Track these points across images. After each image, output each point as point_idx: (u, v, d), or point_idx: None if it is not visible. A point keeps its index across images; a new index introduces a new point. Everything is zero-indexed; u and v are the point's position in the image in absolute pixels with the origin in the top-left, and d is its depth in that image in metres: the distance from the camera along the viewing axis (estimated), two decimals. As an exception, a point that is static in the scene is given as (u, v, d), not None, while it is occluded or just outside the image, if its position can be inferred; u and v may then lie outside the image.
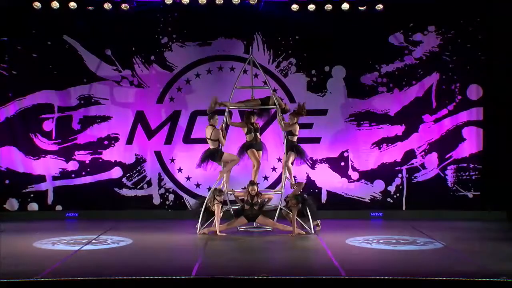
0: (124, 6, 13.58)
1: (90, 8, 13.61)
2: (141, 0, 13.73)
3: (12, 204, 14.06)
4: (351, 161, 14.16)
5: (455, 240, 11.13)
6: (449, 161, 14.10)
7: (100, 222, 13.09)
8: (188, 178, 14.16)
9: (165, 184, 14.20)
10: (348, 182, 14.18)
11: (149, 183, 14.20)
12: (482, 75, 13.99)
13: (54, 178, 14.11)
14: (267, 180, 14.09)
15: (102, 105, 14.12)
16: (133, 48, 14.06)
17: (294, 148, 12.27)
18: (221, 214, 11.89)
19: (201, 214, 12.02)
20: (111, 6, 13.50)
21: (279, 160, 13.74)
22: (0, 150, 13.99)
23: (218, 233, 11.75)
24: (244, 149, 12.42)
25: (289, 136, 12.25)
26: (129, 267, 9.22)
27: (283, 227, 11.94)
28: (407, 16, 13.94)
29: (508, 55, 13.70)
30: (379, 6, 13.56)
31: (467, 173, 14.07)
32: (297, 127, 12.25)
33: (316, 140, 14.10)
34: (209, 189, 13.21)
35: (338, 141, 14.16)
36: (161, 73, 14.14)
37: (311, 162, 13.68)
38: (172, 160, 14.18)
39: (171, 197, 14.22)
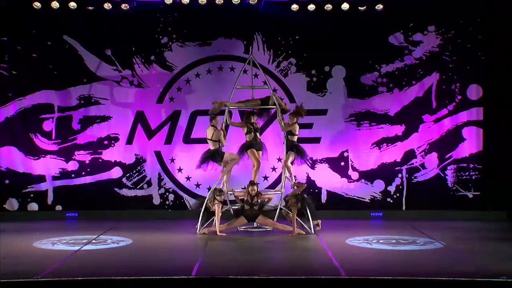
0: (124, 6, 13.58)
1: (90, 8, 13.61)
2: (141, 0, 13.73)
3: (12, 204, 14.06)
4: (351, 161, 14.16)
5: (455, 240, 11.13)
6: (449, 161, 14.10)
7: (100, 222, 13.09)
8: (188, 178, 14.17)
9: (165, 184, 14.21)
10: (348, 182, 14.18)
11: (149, 183, 14.20)
12: (482, 75, 13.99)
13: (54, 178, 14.11)
14: (267, 180, 14.09)
15: (102, 105, 14.12)
16: (133, 48, 14.06)
17: (294, 148, 12.27)
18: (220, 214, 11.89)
19: (201, 214, 12.03)
20: (111, 6, 13.50)
21: (279, 160, 13.74)
22: (0, 150, 13.99)
23: (218, 233, 11.75)
24: (244, 149, 12.43)
25: (289, 136, 12.25)
26: (129, 267, 9.22)
27: (283, 227, 11.94)
28: (407, 16, 13.94)
29: (508, 55, 13.70)
30: (379, 6, 13.57)
31: (467, 173, 14.07)
32: (297, 127, 12.25)
33: (316, 140, 14.10)
34: (209, 189, 13.21)
35: (338, 141, 14.16)
36: (161, 73, 14.14)
37: (311, 162, 13.68)
38: (172, 160, 14.19)
39: (171, 197, 14.22)
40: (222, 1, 13.50)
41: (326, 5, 13.54)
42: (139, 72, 14.10)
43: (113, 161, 14.16)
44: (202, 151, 12.51)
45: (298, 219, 11.95)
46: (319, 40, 13.96)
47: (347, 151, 14.17)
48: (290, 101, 13.82)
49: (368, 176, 14.15)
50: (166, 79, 14.14)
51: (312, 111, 13.84)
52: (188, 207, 14.04)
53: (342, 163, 14.18)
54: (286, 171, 12.29)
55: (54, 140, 14.09)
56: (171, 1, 13.51)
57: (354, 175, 14.17)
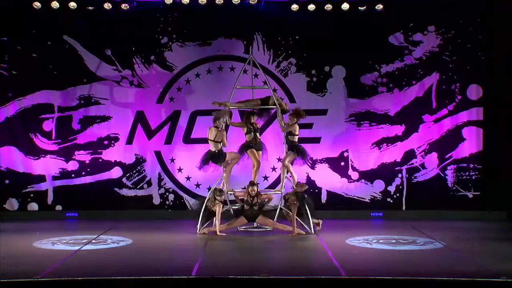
0: (124, 6, 13.58)
1: (90, 8, 13.61)
2: (141, 0, 13.73)
3: (12, 204, 14.06)
4: (351, 161, 14.16)
5: (455, 240, 11.13)
6: (449, 161, 14.10)
7: (100, 222, 13.09)
8: (188, 178, 14.17)
9: (165, 184, 14.21)
10: (348, 182, 14.18)
11: (149, 183, 14.20)
12: (482, 75, 13.99)
13: (54, 178, 14.11)
14: (267, 180, 14.09)
15: (102, 105, 14.12)
16: (133, 48, 14.06)
17: (294, 148, 12.26)
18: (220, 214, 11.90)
19: (201, 214, 12.03)
20: (111, 6, 13.50)
21: (279, 160, 13.73)
22: (0, 150, 13.99)
23: (218, 233, 11.75)
24: (243, 149, 12.42)
25: (289, 136, 12.25)
26: (129, 267, 9.22)
27: (283, 227, 11.94)
28: (407, 16, 13.94)
29: (508, 55, 13.70)
30: (379, 6, 13.56)
31: (467, 173, 14.07)
32: (297, 127, 12.25)
33: (316, 140, 14.10)
34: (209, 189, 13.21)
35: (338, 141, 14.16)
36: (161, 73, 14.14)
37: (311, 162, 13.68)
38: (172, 160, 14.19)
39: (171, 197, 14.22)
40: (222, 1, 13.50)
41: (326, 5, 13.53)
42: (139, 72, 14.10)
43: (113, 161, 14.16)
44: (202, 151, 12.51)
45: (298, 219, 11.95)
46: (319, 40, 13.96)
47: (347, 151, 14.18)
48: (290, 101, 13.83)
49: (368, 176, 14.15)
50: (166, 79, 14.14)
51: (312, 111, 13.85)
52: (188, 207, 14.06)
53: (342, 163, 14.18)
54: (286, 171, 12.28)
55: (54, 140, 14.09)
56: (171, 1, 13.51)
57: (354, 175, 14.17)
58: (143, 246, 10.91)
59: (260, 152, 12.48)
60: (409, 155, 14.13)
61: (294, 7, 13.57)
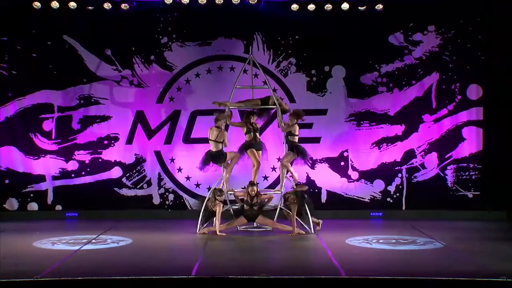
0: (124, 6, 13.58)
1: (90, 8, 13.61)
2: (141, 0, 13.73)
3: (12, 203, 14.06)
4: (351, 161, 14.16)
5: (455, 240, 11.13)
6: (449, 161, 14.10)
7: (100, 222, 13.09)
8: (188, 178, 14.17)
9: (165, 184, 14.21)
10: (348, 182, 14.18)
11: (149, 183, 14.20)
12: (482, 75, 13.99)
13: (54, 178, 14.11)
14: (267, 180, 14.09)
15: (102, 105, 14.12)
16: (133, 48, 14.06)
17: (294, 148, 12.25)
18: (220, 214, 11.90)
19: (200, 214, 12.03)
20: (111, 6, 13.50)
21: (279, 160, 13.72)
22: (0, 150, 13.98)
23: (218, 233, 11.75)
24: (243, 149, 12.42)
25: (289, 137, 12.24)
26: (129, 267, 9.21)
27: (282, 227, 11.94)
28: (407, 16, 13.94)
29: (508, 55, 13.70)
30: (379, 6, 13.57)
31: (467, 173, 14.07)
32: (297, 127, 12.24)
33: (316, 140, 14.09)
34: (209, 189, 13.21)
35: (338, 141, 14.16)
36: (161, 73, 14.14)
37: (311, 162, 13.67)
38: (172, 160, 14.19)
39: (171, 197, 14.22)
40: (222, 1, 13.50)
41: (326, 5, 13.54)
42: (139, 72, 14.10)
43: (113, 161, 14.16)
44: (202, 151, 12.51)
45: (298, 219, 11.95)
46: (319, 40, 13.96)
47: (347, 151, 14.18)
48: (290, 101, 13.84)
49: (368, 176, 14.15)
50: (166, 79, 14.14)
51: (312, 111, 13.87)
52: (188, 207, 14.07)
53: (342, 163, 14.18)
54: (286, 171, 12.28)
55: (54, 140, 14.09)
56: (171, 1, 13.51)
57: (354, 175, 14.17)
58: (143, 246, 10.90)
59: (260, 152, 12.48)
60: (409, 155, 14.13)
61: (294, 7, 13.57)
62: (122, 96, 14.17)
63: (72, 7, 13.49)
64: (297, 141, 12.27)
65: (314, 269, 9.38)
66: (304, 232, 11.83)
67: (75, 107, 14.10)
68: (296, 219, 11.88)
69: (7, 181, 14.03)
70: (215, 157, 12.15)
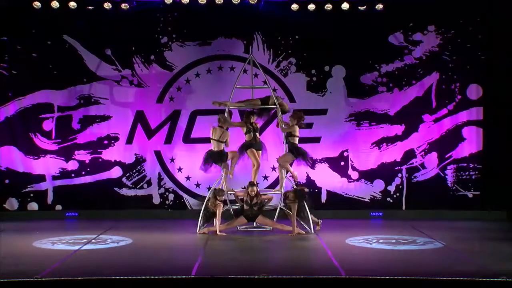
0: (124, 5, 13.59)
1: (90, 8, 13.61)
2: (141, 0, 13.73)
3: (12, 203, 14.06)
4: (351, 160, 14.16)
5: (455, 240, 11.13)
6: (449, 160, 14.10)
7: (100, 222, 13.10)
8: (188, 178, 14.17)
9: (165, 183, 14.21)
10: (348, 181, 14.18)
11: (149, 183, 14.20)
12: (482, 75, 13.99)
13: (54, 177, 14.11)
14: (267, 180, 14.09)
15: (102, 105, 14.12)
16: (133, 48, 14.06)
17: (294, 150, 12.22)
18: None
19: (200, 214, 12.03)
20: (111, 6, 13.50)
21: (279, 159, 13.74)
22: (0, 149, 13.98)
23: (218, 232, 11.75)
24: (243, 148, 12.42)
25: (289, 138, 12.22)
26: (129, 267, 9.21)
27: (282, 227, 11.94)
28: (407, 16, 13.94)
29: (508, 55, 13.70)
30: (379, 6, 13.57)
31: (467, 173, 14.07)
32: (297, 128, 12.21)
33: (316, 139, 14.10)
34: (209, 188, 13.22)
35: (338, 141, 14.16)
36: (161, 73, 14.14)
37: (311, 162, 13.66)
38: (172, 160, 14.18)
39: (171, 196, 14.22)
40: (222, 1, 13.50)
41: (326, 5, 13.54)
42: (139, 71, 14.10)
43: (113, 161, 14.16)
44: (202, 151, 12.53)
45: (298, 219, 11.95)
46: (319, 40, 13.96)
47: (347, 150, 14.18)
48: (290, 101, 13.83)
49: (368, 175, 14.15)
50: (166, 79, 14.14)
51: (312, 111, 13.88)
52: (188, 207, 14.08)
53: (342, 163, 14.18)
54: (284, 171, 12.27)
55: (54, 139, 14.09)
56: (171, 1, 13.51)
57: (354, 175, 14.17)
58: (143, 245, 10.90)
59: (260, 152, 12.48)
60: (409, 154, 14.13)
61: (294, 6, 13.57)
62: (122, 96, 14.17)
63: (72, 7, 13.50)
64: (297, 142, 12.26)
65: (314, 269, 9.38)
66: (304, 232, 11.82)
67: (75, 107, 14.10)
68: (296, 219, 11.88)
69: (7, 181, 14.03)
70: (216, 157, 12.15)
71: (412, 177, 14.14)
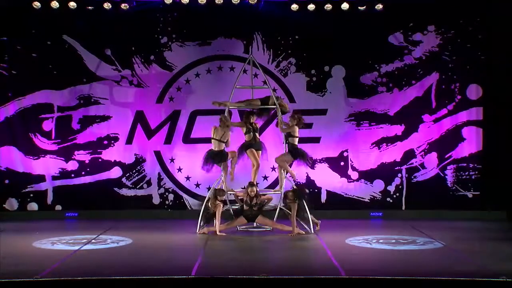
0: (123, 6, 13.59)
1: (90, 8, 13.61)
2: (141, 0, 13.73)
3: (12, 204, 14.05)
4: (350, 161, 14.16)
5: (455, 240, 11.13)
6: (448, 161, 14.10)
7: (100, 222, 13.09)
8: (187, 178, 14.16)
9: (165, 184, 14.20)
10: (348, 182, 14.17)
11: (149, 183, 14.20)
12: (482, 75, 13.99)
13: (54, 178, 14.11)
14: (266, 180, 14.09)
15: (101, 105, 14.12)
16: (133, 48, 14.06)
17: (294, 151, 12.20)
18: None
19: (200, 214, 12.03)
20: (110, 6, 13.50)
21: (279, 159, 13.74)
22: (0, 150, 13.98)
23: (217, 233, 11.75)
24: (243, 149, 12.42)
25: (289, 138, 12.21)
26: (129, 267, 9.21)
27: (282, 227, 11.94)
28: (407, 16, 13.94)
29: (508, 55, 13.70)
30: (379, 6, 13.57)
31: (466, 173, 14.07)
32: (296, 128, 12.19)
33: (316, 140, 14.09)
34: (208, 188, 13.22)
35: (338, 141, 14.16)
36: (160, 73, 14.14)
37: (310, 162, 13.66)
38: (172, 160, 14.18)
39: (171, 196, 14.22)
40: (222, 1, 13.50)
41: (326, 5, 13.54)
42: (138, 72, 14.10)
43: (112, 161, 14.16)
44: (202, 151, 12.52)
45: (298, 219, 11.95)
46: (319, 40, 13.96)
47: (346, 151, 14.18)
48: (290, 101, 13.83)
49: (367, 176, 14.15)
50: (165, 79, 14.14)
51: (312, 111, 13.88)
52: (188, 207, 14.08)
53: (342, 163, 14.18)
54: (284, 171, 12.26)
55: (54, 140, 14.09)
56: (171, 1, 13.51)
57: (354, 175, 14.17)
58: (143, 246, 10.90)
59: (260, 152, 12.48)
60: (409, 155, 14.13)
61: (294, 7, 13.57)
62: (122, 96, 14.16)
63: (72, 7, 13.50)
64: (297, 142, 12.25)
65: (314, 269, 9.38)
66: (304, 232, 11.82)
67: (75, 107, 14.10)
68: (296, 219, 11.87)
69: (7, 181, 14.03)
70: (217, 156, 12.14)
71: (412, 177, 14.14)
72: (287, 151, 12.26)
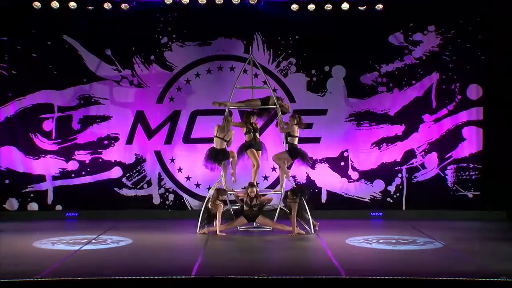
0: (124, 6, 13.59)
1: (90, 8, 13.61)
2: (141, 0, 13.73)
3: (12, 204, 14.06)
4: (351, 161, 14.16)
5: (455, 240, 11.12)
6: (449, 161, 14.10)
7: (100, 222, 13.09)
8: (188, 178, 14.16)
9: (165, 184, 14.20)
10: (348, 182, 14.17)
11: (149, 183, 14.20)
12: (482, 75, 13.99)
13: (54, 178, 14.11)
14: (267, 180, 14.09)
15: (102, 105, 14.12)
16: (133, 48, 14.06)
17: (293, 151, 12.19)
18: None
19: (201, 214, 12.03)
20: (111, 6, 13.50)
21: (279, 159, 13.73)
22: (0, 150, 13.98)
23: (218, 233, 11.75)
24: (243, 149, 12.42)
25: (288, 138, 12.22)
26: (129, 267, 9.21)
27: (282, 227, 11.94)
28: (407, 16, 13.94)
29: (508, 55, 13.70)
30: (379, 6, 13.57)
31: (467, 173, 14.07)
32: (296, 128, 12.20)
33: (316, 140, 14.09)
34: (209, 188, 13.22)
35: (338, 141, 14.16)
36: (161, 73, 14.14)
37: (310, 162, 13.66)
38: (172, 160, 14.18)
39: (171, 197, 14.22)
40: (222, 1, 13.50)
41: (326, 5, 13.54)
42: (139, 72, 14.10)
43: (113, 161, 14.16)
44: (203, 151, 12.53)
45: (298, 219, 11.94)
46: (319, 40, 13.96)
47: (347, 151, 14.18)
48: (290, 101, 13.82)
49: (368, 176, 14.15)
50: (166, 79, 14.14)
51: (312, 111, 13.89)
52: (188, 207, 14.08)
53: (342, 163, 14.18)
54: (284, 173, 12.26)
55: (54, 140, 14.09)
56: (171, 1, 13.51)
57: (354, 175, 14.17)
58: (143, 246, 10.90)
59: (260, 152, 12.48)
60: (409, 155, 14.13)
61: (294, 7, 13.57)
62: (122, 96, 14.17)
63: (72, 7, 13.50)
64: (296, 142, 12.25)
65: (314, 269, 9.38)
66: (304, 232, 11.82)
67: (75, 107, 14.10)
68: (296, 219, 11.87)
69: (7, 181, 14.03)
70: (219, 155, 12.13)
71: (412, 177, 14.14)
72: (286, 150, 12.26)
